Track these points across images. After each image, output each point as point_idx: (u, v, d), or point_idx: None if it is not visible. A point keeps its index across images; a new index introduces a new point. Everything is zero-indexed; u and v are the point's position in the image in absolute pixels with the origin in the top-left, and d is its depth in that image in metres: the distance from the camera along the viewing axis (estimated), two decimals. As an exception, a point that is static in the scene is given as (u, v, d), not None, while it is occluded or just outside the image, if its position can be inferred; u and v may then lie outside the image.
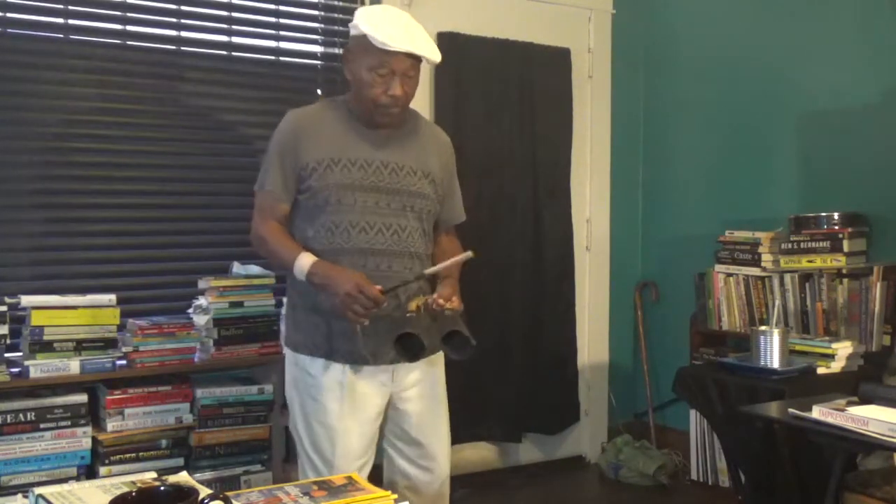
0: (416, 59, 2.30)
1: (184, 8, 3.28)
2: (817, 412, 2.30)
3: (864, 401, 2.36)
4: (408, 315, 2.21)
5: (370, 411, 2.36)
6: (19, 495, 1.71)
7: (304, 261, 2.26)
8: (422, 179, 2.39)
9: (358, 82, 2.31)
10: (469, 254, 2.27)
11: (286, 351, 2.45)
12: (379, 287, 2.18)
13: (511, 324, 3.95)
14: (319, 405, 2.32)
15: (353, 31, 2.32)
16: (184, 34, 3.30)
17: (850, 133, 3.47)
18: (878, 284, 3.16)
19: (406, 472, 2.45)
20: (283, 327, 2.99)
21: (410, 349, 2.19)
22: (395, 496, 1.54)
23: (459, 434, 3.46)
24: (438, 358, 2.49)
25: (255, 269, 3.19)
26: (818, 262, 3.31)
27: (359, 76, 2.30)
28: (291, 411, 2.43)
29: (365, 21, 2.26)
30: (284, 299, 2.56)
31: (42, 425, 2.74)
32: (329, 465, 2.30)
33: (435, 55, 2.31)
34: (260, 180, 2.39)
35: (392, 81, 2.27)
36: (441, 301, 2.19)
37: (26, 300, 2.76)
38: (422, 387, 2.43)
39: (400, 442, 2.44)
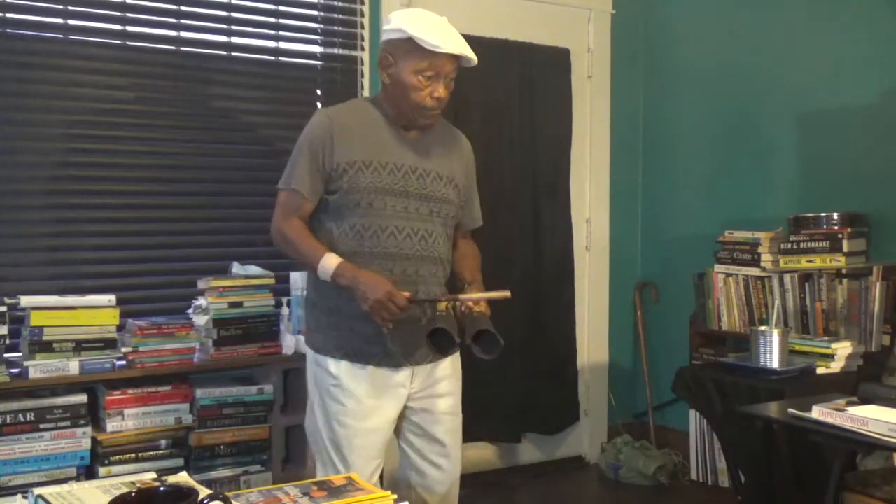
0: (457, 62, 2.31)
1: (183, 8, 3.28)
2: (817, 412, 2.31)
3: (864, 401, 2.37)
4: (437, 314, 2.25)
5: (389, 413, 2.37)
6: (19, 496, 1.70)
7: (331, 261, 2.26)
8: (447, 185, 2.40)
9: (401, 86, 2.29)
10: (507, 293, 2.32)
11: (307, 349, 2.46)
12: (407, 294, 2.22)
13: (511, 324, 3.93)
14: (340, 405, 2.33)
15: (392, 36, 2.29)
16: (183, 34, 3.29)
17: (849, 133, 3.47)
18: (878, 284, 3.16)
19: (421, 469, 2.45)
20: (295, 323, 3.06)
21: (441, 345, 2.22)
22: (395, 496, 1.54)
23: (459, 434, 3.47)
24: (457, 359, 2.51)
25: (254, 269, 3.19)
26: (818, 262, 3.31)
27: (402, 80, 2.28)
28: (311, 409, 2.43)
29: (409, 24, 2.24)
30: (300, 293, 2.52)
31: (41, 426, 2.74)
32: (347, 464, 2.31)
33: (474, 57, 2.32)
34: (286, 177, 2.35)
35: (437, 84, 2.28)
36: (470, 304, 2.24)
37: (26, 300, 2.76)
38: (449, 384, 2.45)
39: (420, 440, 2.44)
